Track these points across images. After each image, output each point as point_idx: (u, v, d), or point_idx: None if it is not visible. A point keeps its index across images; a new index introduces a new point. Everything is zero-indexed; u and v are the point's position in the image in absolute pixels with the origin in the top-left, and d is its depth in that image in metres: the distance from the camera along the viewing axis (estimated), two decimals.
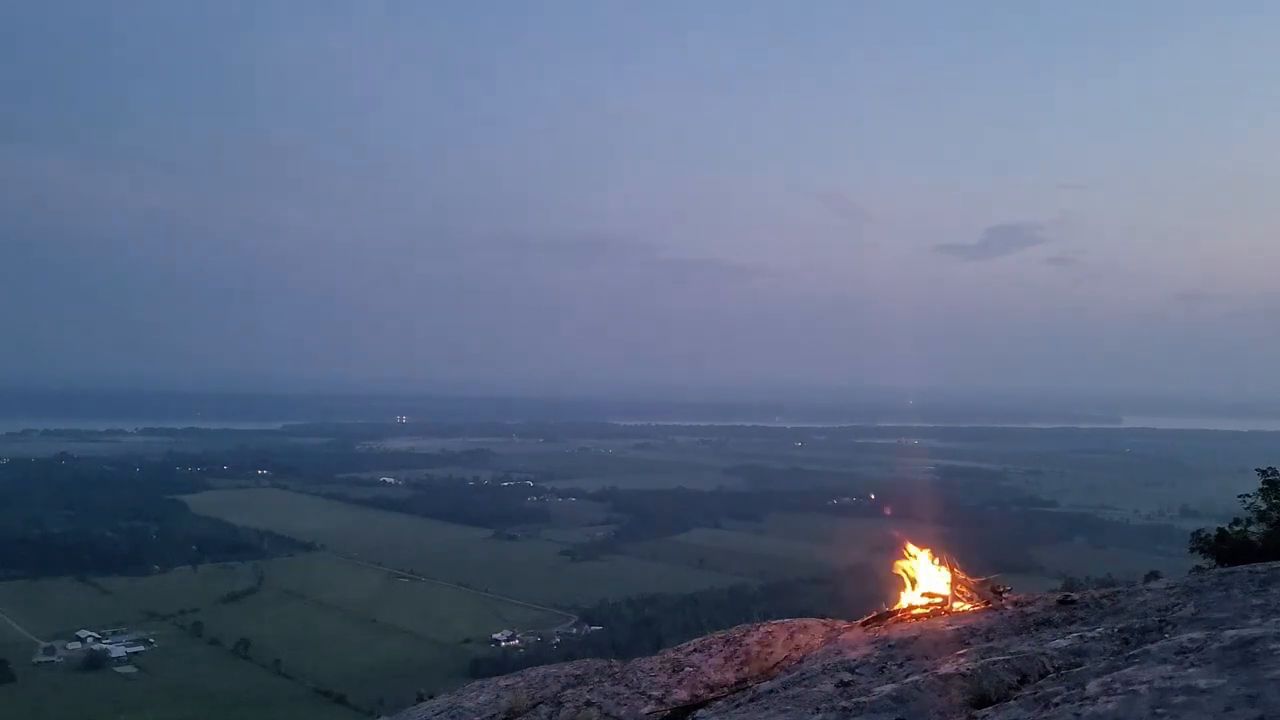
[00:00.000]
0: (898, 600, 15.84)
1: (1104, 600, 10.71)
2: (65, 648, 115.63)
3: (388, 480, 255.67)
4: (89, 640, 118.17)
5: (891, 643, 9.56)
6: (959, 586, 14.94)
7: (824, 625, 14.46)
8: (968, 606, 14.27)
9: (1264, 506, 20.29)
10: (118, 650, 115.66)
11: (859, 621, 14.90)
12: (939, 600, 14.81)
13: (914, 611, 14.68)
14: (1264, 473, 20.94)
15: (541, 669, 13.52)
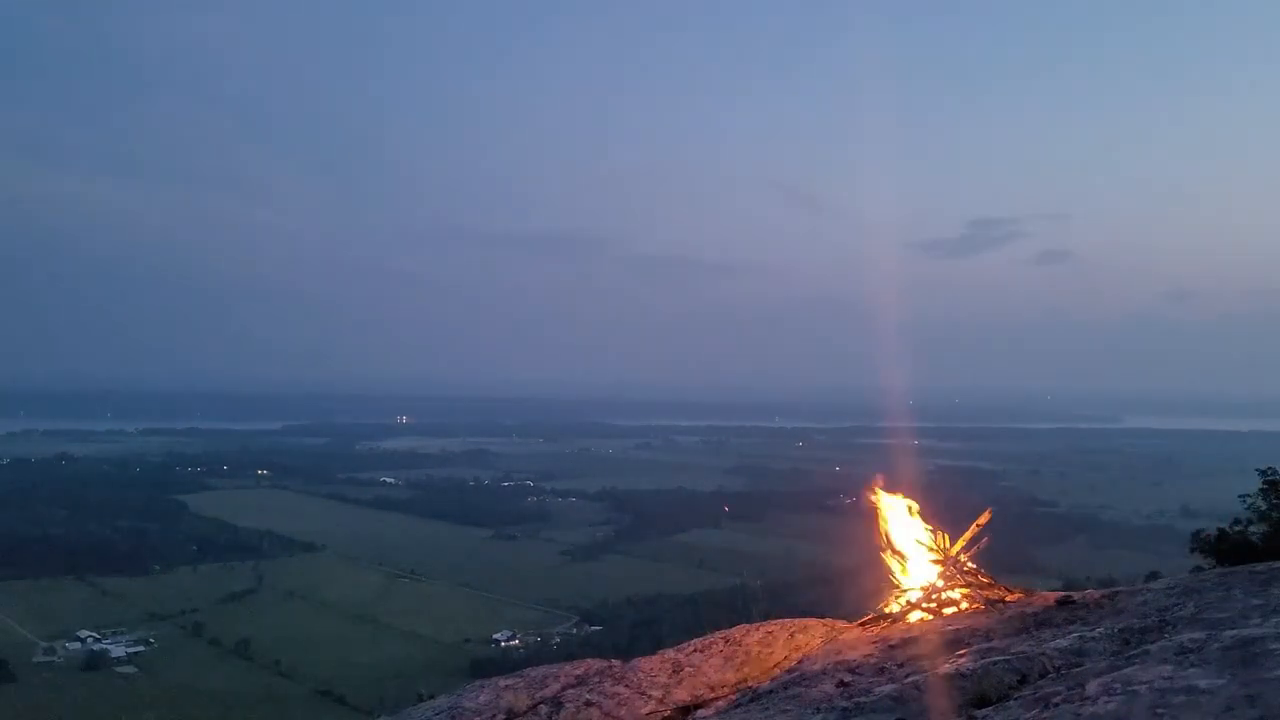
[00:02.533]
0: (894, 599, 15.84)
1: (1104, 600, 10.69)
2: (65, 648, 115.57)
3: (388, 480, 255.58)
4: (89, 640, 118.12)
5: (891, 643, 9.56)
6: (959, 570, 14.93)
7: (824, 625, 14.46)
8: (959, 606, 14.26)
9: (1264, 506, 20.29)
10: (118, 650, 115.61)
11: (859, 621, 14.91)
12: (936, 595, 14.82)
13: (913, 612, 14.67)
14: (1264, 473, 20.94)
15: (541, 669, 13.49)
